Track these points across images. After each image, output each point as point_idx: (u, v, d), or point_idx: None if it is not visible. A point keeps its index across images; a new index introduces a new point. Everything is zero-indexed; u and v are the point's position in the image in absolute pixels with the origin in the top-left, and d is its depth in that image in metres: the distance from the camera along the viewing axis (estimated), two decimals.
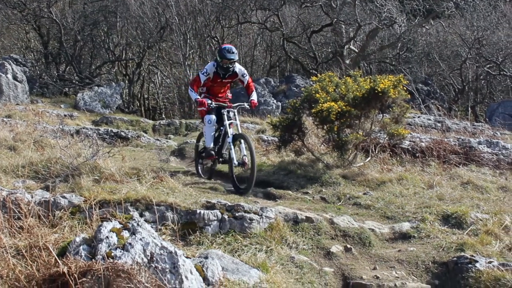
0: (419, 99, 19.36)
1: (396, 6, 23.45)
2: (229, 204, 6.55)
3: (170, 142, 13.53)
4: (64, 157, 7.52)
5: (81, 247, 4.55)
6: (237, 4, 24.62)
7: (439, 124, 14.56)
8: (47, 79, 22.65)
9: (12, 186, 6.47)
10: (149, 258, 4.50)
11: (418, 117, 15.13)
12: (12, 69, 18.43)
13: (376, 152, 10.20)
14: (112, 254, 4.42)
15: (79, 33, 23.79)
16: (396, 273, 5.86)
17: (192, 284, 4.53)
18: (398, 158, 10.34)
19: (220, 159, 8.80)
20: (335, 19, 23.52)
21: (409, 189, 8.53)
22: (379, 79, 9.49)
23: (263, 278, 5.07)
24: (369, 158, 9.93)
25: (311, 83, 12.30)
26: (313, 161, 9.82)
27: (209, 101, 8.54)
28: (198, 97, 8.62)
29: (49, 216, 5.64)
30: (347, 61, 23.06)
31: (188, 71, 23.39)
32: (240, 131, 8.54)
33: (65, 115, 16.40)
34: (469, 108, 23.32)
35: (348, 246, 6.35)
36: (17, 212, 5.40)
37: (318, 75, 10.74)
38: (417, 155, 10.59)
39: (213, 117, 8.64)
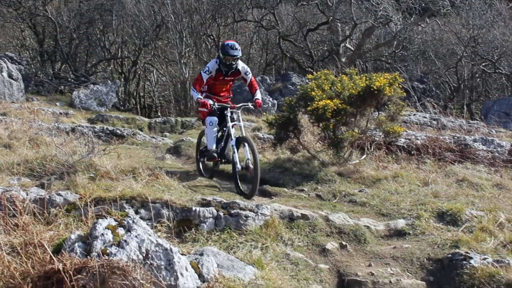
0: (415, 97, 19.39)
1: (392, 5, 23.47)
2: (225, 201, 6.55)
3: (165, 140, 13.52)
4: (60, 154, 7.51)
5: (76, 244, 4.55)
6: (233, 2, 24.62)
7: (434, 122, 14.59)
8: (43, 77, 22.57)
9: (7, 184, 6.45)
10: (144, 255, 4.50)
11: (414, 115, 15.15)
12: (8, 67, 18.38)
13: (372, 149, 10.22)
14: (108, 251, 4.43)
15: (75, 31, 23.72)
16: (391, 269, 5.87)
17: (187, 281, 4.53)
18: (393, 156, 10.36)
19: (223, 160, 8.54)
20: (331, 18, 23.54)
21: (404, 187, 8.54)
22: (374, 77, 9.51)
23: (258, 275, 5.08)
24: (364, 156, 9.94)
25: (307, 81, 12.32)
26: (308, 159, 9.83)
27: (211, 102, 8.23)
28: (201, 97, 8.29)
29: (44, 213, 5.63)
30: (343, 59, 23.08)
31: (184, 69, 23.37)
32: (243, 133, 8.24)
33: (60, 113, 16.35)
34: (465, 106, 23.36)
35: (344, 243, 6.37)
36: (12, 209, 5.40)
37: (314, 73, 10.74)
38: (412, 152, 10.61)
39: (215, 118, 8.37)
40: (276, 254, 5.83)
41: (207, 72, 8.38)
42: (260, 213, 6.43)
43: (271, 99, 19.58)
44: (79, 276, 4.20)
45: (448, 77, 24.85)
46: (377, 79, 9.41)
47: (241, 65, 8.53)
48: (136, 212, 6.12)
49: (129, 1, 24.26)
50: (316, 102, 9.22)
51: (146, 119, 17.93)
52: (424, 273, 5.94)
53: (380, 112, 10.18)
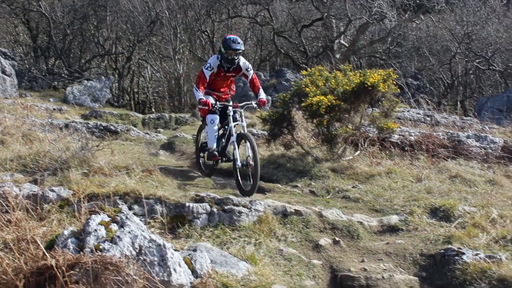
0: (409, 93, 19.40)
1: (387, 1, 23.46)
2: (218, 197, 6.57)
3: (159, 136, 13.49)
4: (53, 150, 7.49)
5: (69, 240, 4.56)
6: None
7: (428, 118, 14.61)
8: (36, 73, 22.46)
9: (0, 180, 6.44)
10: (137, 251, 4.51)
11: (408, 111, 15.17)
12: (1, 62, 18.29)
13: (365, 145, 10.23)
14: (101, 247, 4.44)
15: (69, 26, 23.60)
16: (384, 265, 5.90)
17: (181, 277, 4.55)
18: (387, 152, 10.37)
19: (224, 159, 8.30)
20: (326, 14, 23.52)
21: (397, 183, 8.56)
22: (369, 73, 9.53)
23: (251, 270, 5.10)
24: (358, 152, 9.96)
25: (301, 77, 12.32)
26: (302, 155, 9.83)
27: (213, 102, 8.05)
28: (203, 97, 7.98)
29: (37, 209, 5.63)
30: (338, 56, 23.06)
31: (178, 65, 23.31)
32: (245, 131, 8.00)
33: (54, 109, 16.26)
34: (458, 103, 23.43)
35: (337, 238, 6.39)
36: (4, 205, 5.39)
37: (308, 69, 10.75)
38: (406, 148, 10.62)
39: (216, 116, 8.11)
40: (269, 250, 5.85)
41: (209, 69, 8.15)
42: (254, 209, 6.45)
43: (265, 95, 19.55)
44: (72, 272, 4.21)
45: (442, 73, 24.88)
46: (371, 75, 9.43)
47: (242, 61, 8.31)
48: (130, 208, 6.13)
49: None
50: (310, 98, 9.23)
51: (140, 115, 17.87)
52: (416, 269, 5.98)
53: (374, 108, 10.19)
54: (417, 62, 26.45)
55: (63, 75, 23.54)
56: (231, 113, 8.08)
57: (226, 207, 6.38)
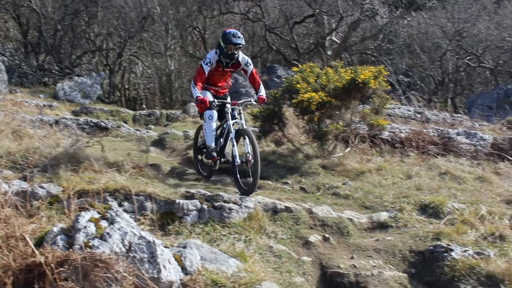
0: (400, 90, 19.44)
1: None
2: (209, 194, 6.57)
3: (150, 133, 13.46)
4: (43, 147, 7.49)
5: (58, 237, 4.54)
6: None
7: (418, 115, 14.65)
8: (26, 69, 22.33)
9: None
10: (127, 247, 4.50)
11: (398, 108, 15.20)
12: None
13: (356, 142, 10.26)
14: (90, 243, 4.42)
15: (59, 22, 23.47)
16: (373, 262, 5.93)
17: (170, 273, 4.54)
18: (377, 149, 10.41)
19: (222, 160, 7.91)
20: (317, 10, 23.51)
21: (387, 179, 8.60)
22: (360, 70, 9.53)
23: (241, 267, 5.10)
24: (349, 149, 9.99)
25: (292, 73, 12.32)
26: (293, 152, 9.84)
27: (211, 99, 7.74)
28: (200, 94, 7.65)
29: (27, 206, 5.60)
30: (329, 52, 23.08)
31: (169, 61, 23.27)
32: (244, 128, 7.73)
33: (44, 105, 16.19)
34: (449, 100, 23.49)
35: (327, 235, 6.41)
36: None
37: (299, 65, 10.75)
38: (396, 145, 10.67)
39: (214, 112, 7.79)
40: (259, 246, 5.86)
41: (208, 64, 7.82)
42: (244, 206, 6.46)
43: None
44: (61, 269, 4.19)
45: (433, 70, 24.99)
46: (362, 72, 9.44)
47: (241, 55, 8.02)
48: (120, 205, 6.12)
49: None
50: (301, 95, 9.23)
51: (131, 112, 17.83)
52: (406, 265, 6.00)
53: (364, 105, 10.21)
54: (408, 59, 26.52)
55: (53, 71, 23.41)
56: (230, 111, 7.83)
57: (216, 204, 6.38)
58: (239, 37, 7.69)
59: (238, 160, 7.42)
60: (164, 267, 4.51)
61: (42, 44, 24.08)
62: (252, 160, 7.20)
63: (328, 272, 5.71)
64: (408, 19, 25.73)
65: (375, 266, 5.83)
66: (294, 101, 9.39)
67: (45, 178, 6.58)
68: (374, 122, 9.83)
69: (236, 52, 7.82)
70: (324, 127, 9.49)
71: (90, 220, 4.70)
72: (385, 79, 9.95)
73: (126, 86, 25.80)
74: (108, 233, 4.54)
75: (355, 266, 5.76)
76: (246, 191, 7.15)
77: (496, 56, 24.16)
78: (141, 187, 6.45)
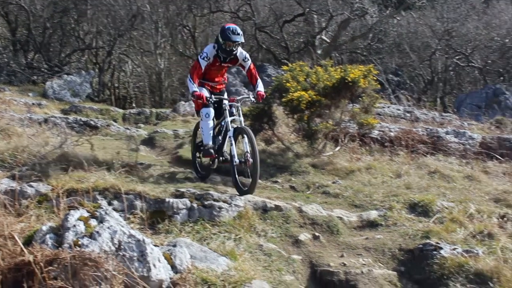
0: (389, 89, 19.53)
1: None
2: (198, 192, 6.57)
3: (140, 131, 13.42)
4: (32, 145, 7.45)
5: (47, 236, 4.53)
6: None
7: (408, 114, 14.72)
8: (15, 67, 22.19)
9: None
10: (117, 246, 4.49)
11: (388, 107, 15.27)
12: None
13: (346, 141, 10.28)
14: (79, 242, 4.41)
15: (48, 20, 23.33)
16: (363, 260, 5.94)
17: (160, 272, 4.54)
18: (367, 148, 10.44)
19: (221, 158, 7.62)
20: (308, 9, 23.53)
21: (377, 178, 8.63)
22: (349, 69, 9.57)
23: (231, 266, 5.10)
24: (338, 148, 10.01)
25: (282, 72, 12.33)
26: (283, 150, 9.85)
27: (208, 95, 7.52)
28: (197, 89, 7.44)
29: (15, 205, 5.58)
30: (319, 51, 23.11)
31: (159, 60, 23.20)
32: (243, 126, 7.57)
33: (33, 104, 16.09)
34: (438, 99, 23.61)
35: (316, 234, 6.42)
36: None
37: (289, 64, 10.75)
38: (386, 144, 10.71)
39: (211, 110, 7.56)
40: (249, 245, 5.86)
41: (205, 59, 7.57)
42: (234, 204, 6.47)
43: (246, 90, 19.55)
44: (50, 267, 4.18)
45: (422, 70, 25.11)
46: (352, 71, 9.47)
47: (239, 50, 7.77)
48: (109, 204, 6.11)
49: None
50: (290, 94, 9.25)
51: (121, 110, 17.77)
52: (395, 264, 6.02)
53: (354, 104, 10.24)
54: (398, 58, 26.62)
55: (42, 69, 23.28)
56: (227, 107, 7.59)
57: (206, 203, 6.38)
58: (238, 34, 7.50)
59: (236, 159, 7.24)
60: (154, 265, 4.51)
61: (31, 42, 23.93)
62: (251, 160, 7.04)
63: (318, 270, 5.72)
64: (398, 18, 25.83)
65: (364, 264, 5.85)
66: (284, 99, 9.40)
67: (34, 177, 6.54)
68: (363, 121, 9.86)
69: (234, 49, 7.62)
70: (314, 126, 9.52)
71: (79, 219, 4.69)
72: (375, 78, 10.00)
73: (116, 85, 25.68)
74: (97, 232, 4.53)
75: (345, 265, 5.78)
76: (246, 191, 6.97)
77: (485, 56, 24.32)
78: (131, 186, 6.44)
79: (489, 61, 24.16)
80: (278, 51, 26.01)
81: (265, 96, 8.04)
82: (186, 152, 9.87)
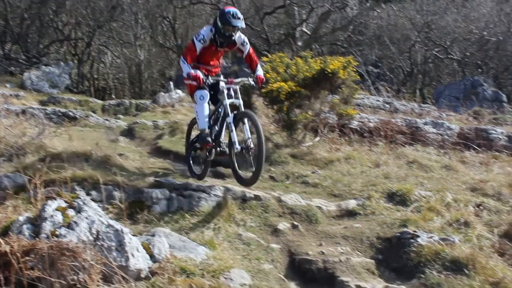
0: (369, 81, 19.64)
1: None
2: (178, 182, 6.57)
3: (119, 122, 13.36)
4: (9, 136, 7.37)
5: (24, 226, 4.49)
6: None
7: (387, 105, 14.84)
8: None
9: None
10: (95, 236, 4.47)
11: (367, 98, 15.36)
12: None
13: (325, 132, 10.33)
14: (57, 232, 4.38)
15: (26, 11, 23.08)
16: (341, 249, 5.98)
17: (139, 261, 4.53)
18: (346, 138, 10.49)
19: (218, 149, 6.99)
20: (288, 1, 23.53)
21: (356, 168, 8.68)
22: (329, 60, 9.59)
23: (210, 255, 5.12)
24: (318, 138, 10.05)
25: (262, 63, 12.33)
26: None
27: (204, 76, 6.79)
28: (192, 71, 6.75)
29: None
30: (300, 43, 23.14)
31: (139, 51, 23.07)
32: (245, 110, 6.93)
33: (10, 95, 15.93)
34: (417, 90, 23.83)
35: (295, 223, 6.45)
36: None
37: (269, 56, 10.76)
38: (365, 135, 10.78)
39: (206, 92, 6.89)
40: (228, 234, 5.88)
41: (201, 41, 6.91)
42: (213, 194, 6.47)
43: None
44: (27, 258, 4.14)
45: (402, 62, 25.28)
46: (332, 62, 9.50)
47: (237, 34, 7.03)
48: (88, 194, 6.08)
49: None
50: (270, 85, 9.25)
51: (100, 101, 17.67)
52: (373, 252, 6.07)
53: (334, 95, 10.29)
54: (378, 50, 26.77)
55: (20, 60, 23.03)
56: (225, 90, 6.91)
57: (185, 193, 6.38)
58: (238, 18, 6.78)
59: (237, 146, 6.60)
60: (133, 255, 4.50)
61: (8, 33, 23.64)
62: (254, 147, 6.48)
63: (297, 259, 5.75)
64: (378, 10, 25.90)
65: (343, 252, 5.89)
66: (263, 90, 9.41)
67: (11, 168, 6.49)
68: (343, 112, 9.92)
69: (233, 34, 6.94)
70: (293, 117, 9.54)
71: (57, 209, 4.65)
72: (354, 69, 10.04)
73: (95, 76, 25.52)
74: (75, 222, 4.50)
75: (323, 253, 5.81)
76: (248, 182, 6.61)
77: (464, 48, 24.57)
78: (109, 176, 6.40)
79: (468, 53, 24.42)
80: (259, 42, 25.97)
81: (264, 80, 7.43)
82: (165, 142, 9.85)
